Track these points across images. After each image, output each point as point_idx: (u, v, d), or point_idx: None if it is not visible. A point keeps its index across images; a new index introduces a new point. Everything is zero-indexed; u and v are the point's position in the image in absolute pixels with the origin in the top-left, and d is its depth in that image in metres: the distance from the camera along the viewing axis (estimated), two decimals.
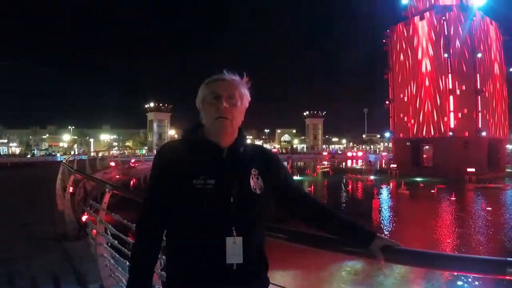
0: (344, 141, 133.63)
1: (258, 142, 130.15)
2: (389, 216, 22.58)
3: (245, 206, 1.60)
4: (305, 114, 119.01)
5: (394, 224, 20.11)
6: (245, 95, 1.72)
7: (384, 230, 18.28)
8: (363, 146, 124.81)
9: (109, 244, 4.59)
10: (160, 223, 1.67)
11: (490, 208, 23.66)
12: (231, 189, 1.59)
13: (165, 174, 1.63)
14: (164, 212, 1.64)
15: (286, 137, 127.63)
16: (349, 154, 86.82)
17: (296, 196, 1.84)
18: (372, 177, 42.48)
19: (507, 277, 1.33)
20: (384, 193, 32.16)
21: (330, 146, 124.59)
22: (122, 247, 4.12)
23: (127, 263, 3.85)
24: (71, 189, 9.22)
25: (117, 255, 4.30)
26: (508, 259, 1.34)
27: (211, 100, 1.65)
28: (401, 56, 52.26)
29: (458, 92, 45.22)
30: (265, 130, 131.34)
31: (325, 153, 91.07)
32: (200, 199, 1.55)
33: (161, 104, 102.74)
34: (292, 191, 1.83)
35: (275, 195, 1.76)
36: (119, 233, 4.30)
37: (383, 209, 23.85)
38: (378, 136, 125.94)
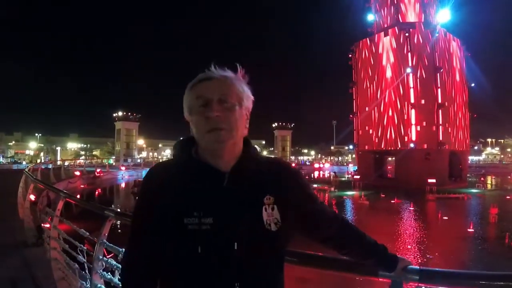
0: (313, 152, 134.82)
1: None
2: None
3: (255, 251, 1.22)
4: (273, 125, 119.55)
5: None
6: (245, 94, 1.33)
7: None
8: (332, 158, 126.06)
9: (62, 249, 4.89)
10: (150, 261, 1.28)
11: (446, 218, 24.41)
12: (235, 230, 1.21)
13: (151, 205, 1.28)
14: (154, 247, 1.27)
15: None
16: (316, 165, 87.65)
17: (321, 221, 1.46)
18: (335, 188, 42.82)
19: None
20: (344, 203, 32.50)
21: (299, 158, 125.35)
22: (73, 251, 4.38)
23: (76, 265, 4.20)
24: (32, 198, 9.29)
25: (67, 258, 4.62)
26: None
27: (199, 108, 1.26)
28: (365, 71, 53.69)
29: (420, 106, 46.70)
30: None
31: (292, 164, 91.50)
32: (192, 245, 1.18)
33: (129, 113, 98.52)
34: (317, 217, 1.45)
35: (295, 225, 1.38)
36: (71, 239, 4.63)
37: None
38: (346, 148, 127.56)
